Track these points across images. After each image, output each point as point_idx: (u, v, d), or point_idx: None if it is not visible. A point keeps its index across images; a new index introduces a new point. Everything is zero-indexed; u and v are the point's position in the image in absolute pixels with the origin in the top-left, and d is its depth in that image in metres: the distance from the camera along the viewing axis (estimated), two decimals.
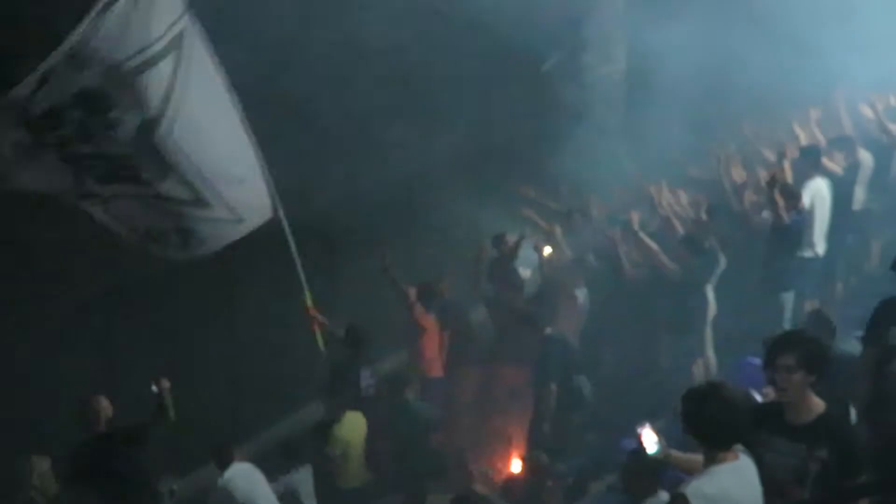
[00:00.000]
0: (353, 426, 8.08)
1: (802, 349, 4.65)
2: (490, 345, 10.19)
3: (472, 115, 11.51)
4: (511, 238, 10.22)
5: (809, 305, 8.68)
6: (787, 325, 8.64)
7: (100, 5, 6.53)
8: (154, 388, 6.76)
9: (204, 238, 7.91)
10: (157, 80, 7.02)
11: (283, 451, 8.43)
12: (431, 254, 11.24)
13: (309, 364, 9.08)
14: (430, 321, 9.34)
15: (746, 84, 11.07)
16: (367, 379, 8.78)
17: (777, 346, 4.74)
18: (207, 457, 7.85)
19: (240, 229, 8.03)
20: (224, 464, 7.45)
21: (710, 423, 4.23)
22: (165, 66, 7.04)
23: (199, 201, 7.67)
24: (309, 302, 8.62)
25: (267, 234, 8.22)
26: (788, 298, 9.03)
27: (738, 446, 4.31)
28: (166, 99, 7.14)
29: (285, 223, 8.25)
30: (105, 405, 6.91)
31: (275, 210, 8.18)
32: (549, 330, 8.73)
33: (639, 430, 4.65)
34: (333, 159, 10.37)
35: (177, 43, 7.10)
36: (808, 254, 9.11)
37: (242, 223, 8.00)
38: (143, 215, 7.75)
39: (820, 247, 9.18)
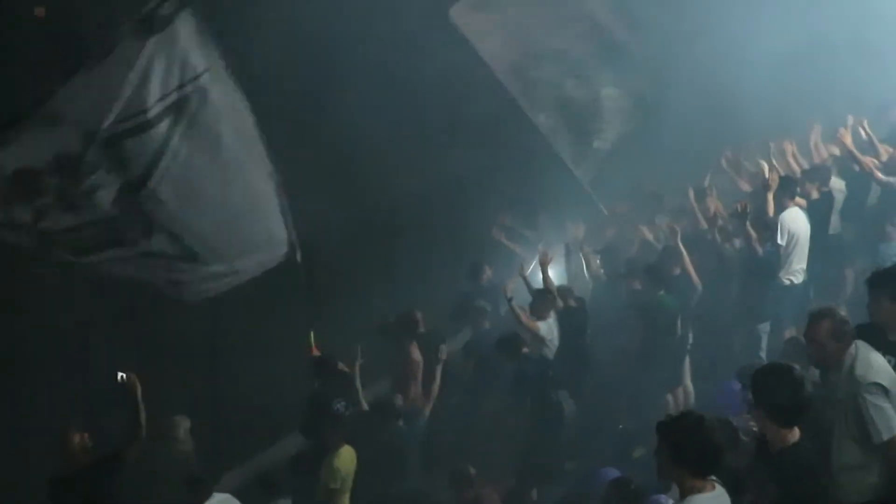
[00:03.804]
0: (349, 459, 8.02)
1: (767, 405, 4.84)
2: (470, 374, 10.00)
3: (446, 144, 11.63)
4: (488, 269, 10.28)
5: (787, 333, 8.74)
6: (763, 355, 8.77)
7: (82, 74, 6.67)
8: (121, 376, 6.69)
9: (198, 290, 7.93)
10: (147, 144, 7.10)
11: (262, 484, 8.32)
12: (409, 283, 11.21)
13: (290, 395, 9.11)
14: (413, 351, 9.31)
15: (727, 116, 11.28)
16: (341, 408, 8.63)
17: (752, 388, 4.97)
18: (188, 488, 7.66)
19: (235, 279, 8.12)
20: (203, 495, 7.31)
21: (693, 452, 4.30)
22: (159, 130, 7.09)
23: (189, 256, 7.75)
24: (312, 341, 8.78)
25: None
26: (765, 329, 9.15)
27: (713, 477, 4.35)
28: (155, 161, 7.20)
29: (302, 271, 8.40)
30: (80, 439, 6.87)
31: (289, 256, 8.25)
32: (525, 350, 8.74)
33: None
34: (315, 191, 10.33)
35: (178, 107, 7.16)
36: (785, 282, 9.21)
37: (237, 275, 8.09)
38: (132, 271, 7.74)
39: (798, 275, 9.26)
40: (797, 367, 4.93)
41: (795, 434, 4.81)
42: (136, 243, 7.50)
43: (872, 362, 5.11)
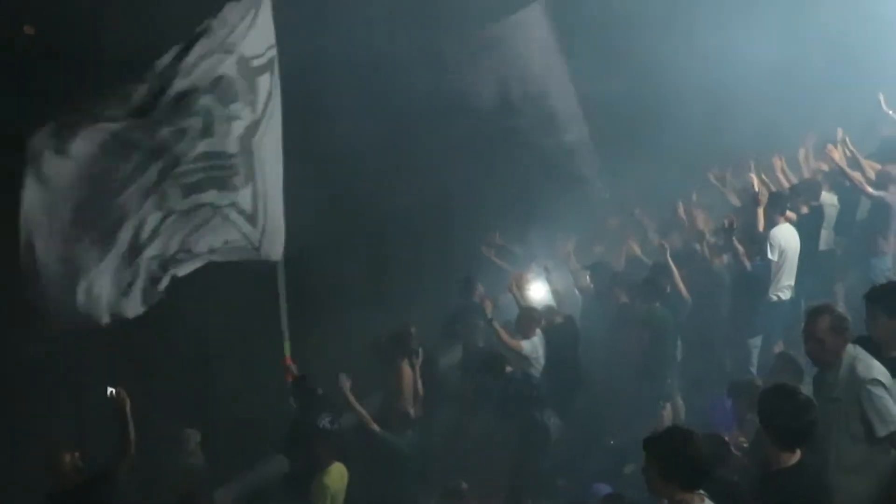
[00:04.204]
0: (339, 476, 8.01)
1: (771, 426, 4.89)
2: (460, 390, 10.06)
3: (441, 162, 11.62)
4: (479, 286, 10.30)
5: (776, 348, 8.88)
6: (754, 370, 8.89)
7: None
8: (110, 391, 6.68)
9: (229, 251, 8.00)
10: (264, 87, 7.68)
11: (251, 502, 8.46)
12: (400, 299, 11.30)
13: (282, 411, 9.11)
14: (405, 368, 9.26)
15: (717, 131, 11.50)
16: (328, 424, 8.54)
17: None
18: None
19: (255, 255, 8.18)
20: None
21: (681, 467, 4.37)
22: (266, 79, 7.72)
23: (254, 218, 7.92)
24: (287, 351, 8.78)
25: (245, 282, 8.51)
26: (756, 343, 9.22)
27: (702, 492, 4.42)
28: (265, 107, 7.73)
29: (281, 271, 8.63)
30: (69, 458, 6.84)
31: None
32: (509, 369, 8.75)
33: None
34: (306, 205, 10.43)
35: (272, 65, 7.81)
36: (773, 298, 9.29)
37: (258, 251, 8.15)
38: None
39: (786, 292, 9.34)
40: (802, 390, 4.97)
41: (797, 455, 4.82)
42: (235, 190, 7.66)
43: (873, 364, 5.24)
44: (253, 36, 7.60)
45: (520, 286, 9.75)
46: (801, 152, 10.82)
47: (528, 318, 9.39)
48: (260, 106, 7.66)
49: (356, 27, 10.26)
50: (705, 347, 9.33)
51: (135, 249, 7.11)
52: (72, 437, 7.51)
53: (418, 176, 11.32)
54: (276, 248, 8.27)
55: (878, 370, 5.21)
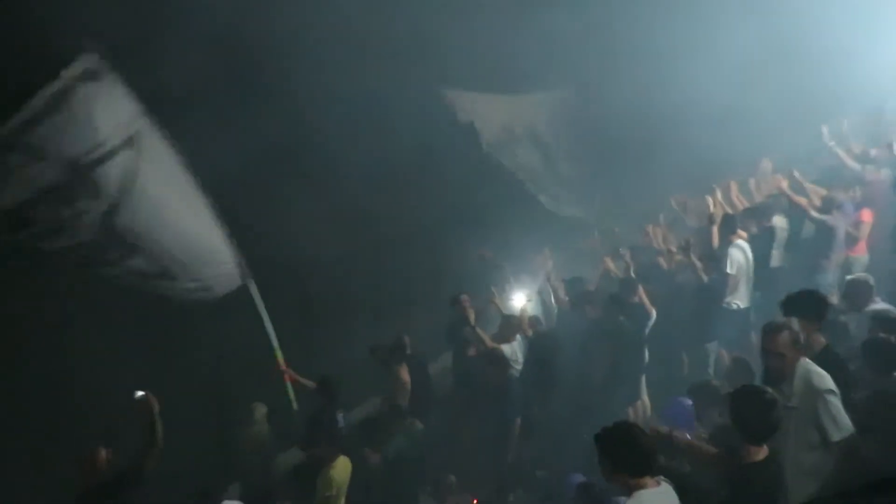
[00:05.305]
0: (344, 469, 8.40)
1: (741, 424, 5.22)
2: (451, 393, 10.78)
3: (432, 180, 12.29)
4: (466, 299, 10.71)
5: (732, 353, 9.38)
6: (711, 371, 9.52)
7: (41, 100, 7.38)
8: (139, 394, 6.97)
9: (178, 303, 8.70)
10: (115, 173, 7.87)
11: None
12: (396, 309, 11.85)
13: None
14: (402, 373, 9.91)
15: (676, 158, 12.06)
16: (340, 422, 9.27)
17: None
18: (196, 499, 8.30)
19: (210, 295, 8.92)
20: None
21: (626, 456, 4.82)
22: (122, 161, 7.89)
23: (166, 274, 8.55)
24: (280, 359, 9.31)
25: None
26: (712, 348, 9.86)
27: (662, 477, 4.94)
28: (125, 189, 7.97)
29: (255, 291, 9.09)
30: (103, 455, 7.20)
31: (243, 280, 9.02)
32: (511, 371, 9.43)
33: None
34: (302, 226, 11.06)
35: (132, 142, 7.97)
36: (733, 307, 9.90)
37: (210, 290, 8.89)
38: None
39: (743, 300, 9.95)
40: (769, 389, 5.18)
41: (764, 450, 5.12)
42: (121, 262, 8.21)
43: (824, 374, 5.54)
44: (79, 131, 7.66)
45: (501, 300, 10.38)
46: (752, 181, 11.51)
47: (507, 325, 10.04)
48: (114, 191, 7.88)
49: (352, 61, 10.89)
50: (667, 352, 9.86)
51: None
52: (103, 436, 7.62)
53: (416, 196, 11.95)
54: (229, 280, 8.94)
55: (829, 380, 5.49)
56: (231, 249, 8.97)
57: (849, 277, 8.31)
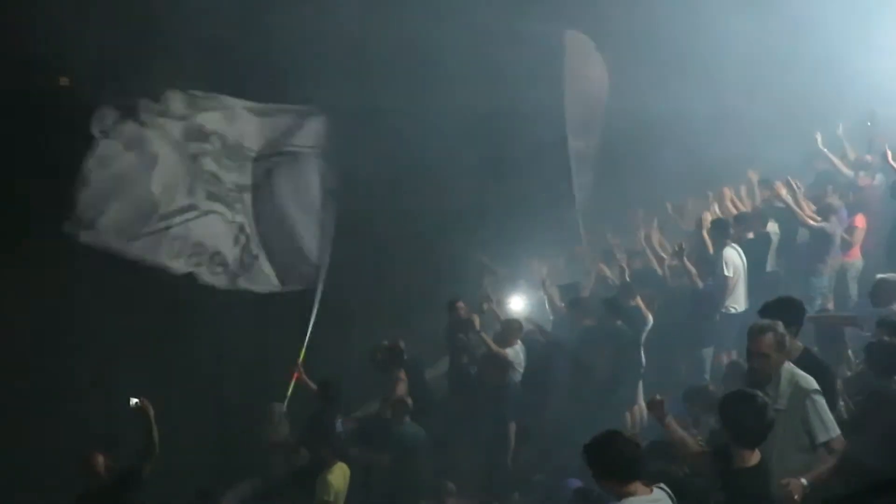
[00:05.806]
0: (342, 475, 8.47)
1: (733, 428, 5.18)
2: (446, 396, 10.84)
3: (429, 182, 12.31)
4: (462, 305, 10.82)
5: (728, 357, 9.51)
6: (707, 376, 9.50)
7: None
8: (134, 401, 7.06)
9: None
10: None
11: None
12: (394, 313, 12.00)
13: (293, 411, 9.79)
14: (400, 375, 9.91)
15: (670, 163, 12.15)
16: (339, 427, 9.34)
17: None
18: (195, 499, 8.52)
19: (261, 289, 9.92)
20: None
21: (611, 464, 4.80)
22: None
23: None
24: (301, 358, 9.64)
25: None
26: (708, 353, 9.90)
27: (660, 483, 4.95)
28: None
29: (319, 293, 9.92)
30: (101, 460, 7.31)
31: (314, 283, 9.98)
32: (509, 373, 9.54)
33: None
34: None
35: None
36: (731, 310, 9.96)
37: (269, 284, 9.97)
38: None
39: (740, 304, 9.99)
40: (759, 393, 5.15)
41: (757, 456, 5.09)
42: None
43: (809, 376, 5.54)
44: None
45: (498, 305, 10.51)
46: (743, 188, 11.57)
47: (509, 329, 10.12)
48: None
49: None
50: (664, 357, 9.90)
51: None
52: (102, 441, 7.77)
53: (415, 203, 12.01)
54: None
55: (814, 382, 5.49)
56: (320, 252, 9.92)
57: (879, 276, 8.31)
